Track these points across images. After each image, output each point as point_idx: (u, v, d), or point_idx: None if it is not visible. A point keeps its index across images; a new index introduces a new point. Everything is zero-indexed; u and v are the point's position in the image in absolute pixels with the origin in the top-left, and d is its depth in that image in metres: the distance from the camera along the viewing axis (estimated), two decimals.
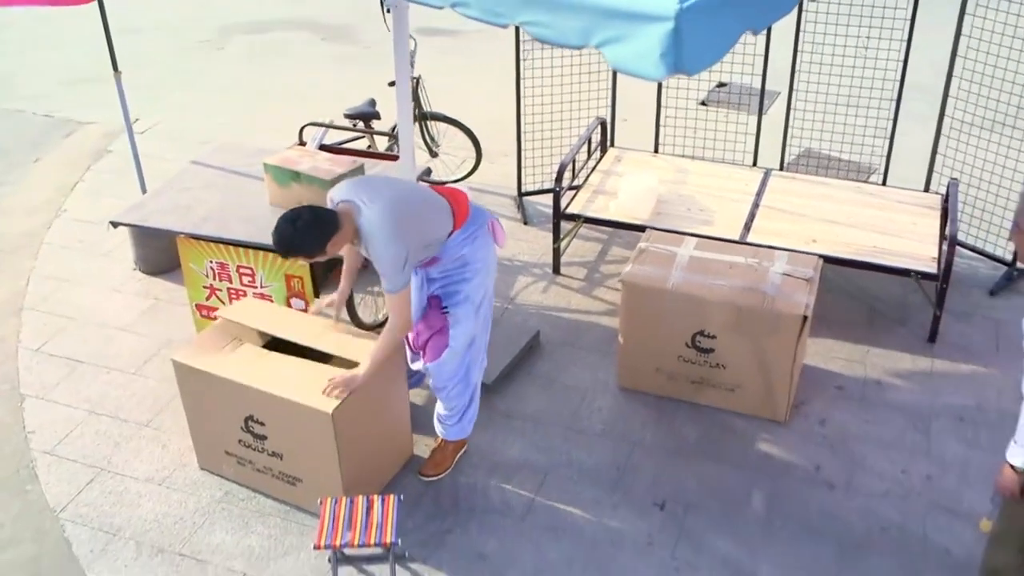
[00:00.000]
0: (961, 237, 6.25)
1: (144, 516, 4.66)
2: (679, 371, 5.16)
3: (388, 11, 4.96)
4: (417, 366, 4.68)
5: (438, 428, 4.81)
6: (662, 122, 7.05)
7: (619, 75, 6.81)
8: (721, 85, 8.69)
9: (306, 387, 4.28)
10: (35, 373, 5.62)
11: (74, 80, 9.68)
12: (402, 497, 4.30)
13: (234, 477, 4.80)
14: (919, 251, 5.69)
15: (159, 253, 6.32)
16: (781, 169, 6.71)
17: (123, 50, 6.56)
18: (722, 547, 4.42)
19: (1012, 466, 3.35)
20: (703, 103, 8.40)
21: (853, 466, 4.86)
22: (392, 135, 6.47)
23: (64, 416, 5.28)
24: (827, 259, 5.50)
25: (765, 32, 6.38)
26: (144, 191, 6.28)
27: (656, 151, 7.02)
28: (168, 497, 4.76)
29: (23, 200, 7.50)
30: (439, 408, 4.75)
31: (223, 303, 5.36)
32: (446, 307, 4.45)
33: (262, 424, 4.45)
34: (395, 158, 6.00)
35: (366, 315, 5.74)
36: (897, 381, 5.41)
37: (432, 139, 7.06)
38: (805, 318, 4.80)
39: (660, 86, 6.98)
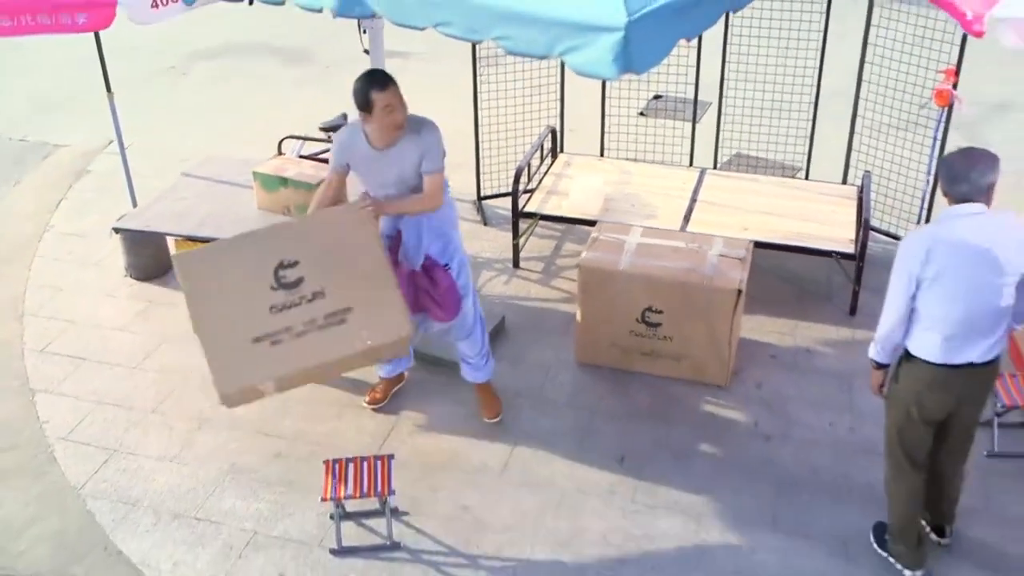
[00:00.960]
0: (875, 223, 6.99)
1: (159, 488, 5.18)
2: (631, 345, 5.81)
3: (364, 31, 5.57)
4: (440, 327, 5.26)
5: (475, 375, 5.47)
6: (606, 129, 7.74)
7: (566, 87, 7.53)
8: (657, 97, 9.38)
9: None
10: (42, 371, 6.10)
11: (45, 105, 10.13)
12: (394, 457, 4.89)
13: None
14: (839, 235, 6.42)
15: (149, 260, 6.83)
16: (715, 169, 7.42)
17: (93, 77, 7.05)
18: (675, 492, 5.07)
19: (874, 362, 4.20)
20: (641, 113, 9.08)
21: (787, 421, 5.54)
22: None
23: (73, 407, 5.78)
24: (758, 244, 6.20)
25: (696, 47, 7.12)
26: (135, 204, 6.78)
27: (602, 155, 7.71)
28: (179, 471, 5.29)
29: (9, 218, 7.94)
30: (470, 355, 5.38)
31: None
32: (446, 264, 5.03)
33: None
34: None
35: None
36: (823, 349, 6.12)
37: None
38: (739, 292, 5.49)
39: (603, 98, 7.67)
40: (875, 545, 4.67)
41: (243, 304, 4.24)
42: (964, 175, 3.81)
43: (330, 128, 7.00)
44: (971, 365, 3.98)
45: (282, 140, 6.92)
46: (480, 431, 5.50)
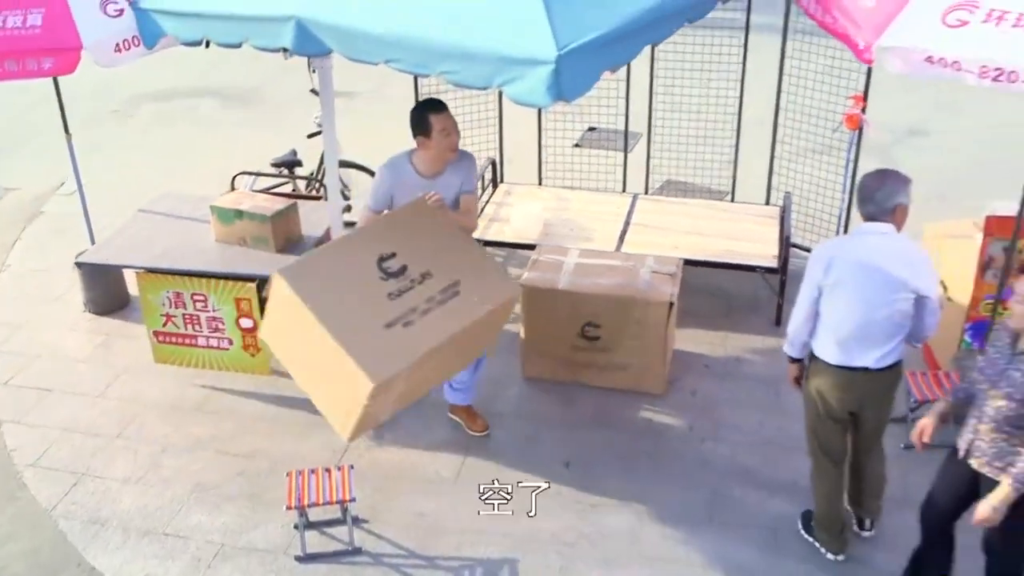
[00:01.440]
0: (795, 240, 7.46)
1: (127, 508, 5.42)
2: (573, 358, 6.19)
3: (313, 71, 5.92)
4: None
5: (463, 397, 5.81)
6: (544, 160, 8.16)
7: (504, 121, 7.94)
8: (592, 129, 9.83)
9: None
10: (8, 402, 6.30)
11: None
12: (354, 467, 5.19)
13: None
14: (763, 252, 6.88)
15: (107, 295, 7.07)
16: (646, 194, 7.87)
17: (40, 119, 7.31)
18: (620, 492, 5.43)
19: (788, 357, 4.67)
20: (577, 145, 9.53)
21: (720, 424, 5.95)
22: (315, 179, 7.42)
23: (41, 435, 5.99)
24: (688, 261, 6.63)
25: (625, 81, 7.58)
26: (93, 242, 7.02)
27: (540, 184, 8.12)
28: (146, 492, 5.53)
29: None
30: (463, 379, 5.69)
31: (178, 328, 6.18)
32: None
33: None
34: (318, 198, 6.94)
35: None
36: (751, 357, 6.55)
37: (344, 185, 7.99)
38: (671, 304, 5.90)
39: (540, 130, 8.10)
40: (802, 531, 5.07)
41: (363, 298, 4.42)
42: (871, 196, 4.26)
43: (282, 164, 7.33)
44: (867, 370, 4.40)
45: (235, 176, 7.22)
46: (433, 444, 5.82)
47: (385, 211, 5.24)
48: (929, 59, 4.14)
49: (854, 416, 4.61)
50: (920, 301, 4.29)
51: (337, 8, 4.38)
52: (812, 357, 4.60)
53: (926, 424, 4.24)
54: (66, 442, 5.93)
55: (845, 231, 7.20)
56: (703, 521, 5.23)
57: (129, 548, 5.15)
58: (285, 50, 4.77)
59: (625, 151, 7.97)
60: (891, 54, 4.24)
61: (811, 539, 5.00)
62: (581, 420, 5.99)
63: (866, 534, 5.03)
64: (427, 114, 5.04)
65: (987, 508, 3.89)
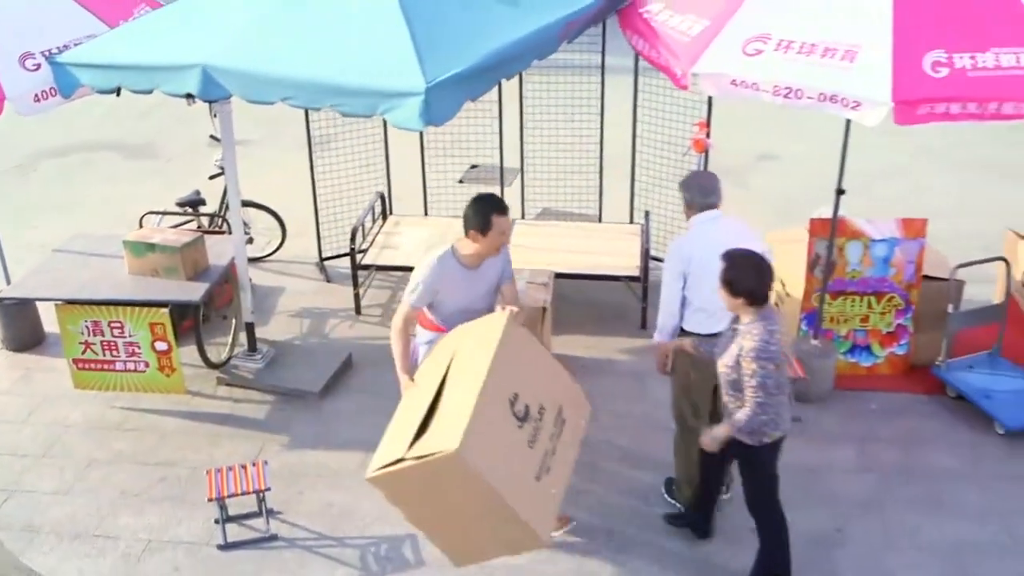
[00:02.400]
0: (654, 252, 8.34)
1: (58, 517, 5.93)
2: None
3: (215, 115, 6.59)
4: None
5: None
6: (430, 197, 8.93)
7: (391, 159, 8.69)
8: (474, 167, 10.64)
9: None
10: None
11: None
12: (267, 462, 5.81)
13: None
14: (627, 264, 7.74)
15: (24, 332, 7.54)
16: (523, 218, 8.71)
17: None
18: None
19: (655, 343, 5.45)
20: (461, 181, 10.31)
21: (594, 413, 6.69)
22: (218, 216, 8.05)
23: None
24: (561, 274, 7.44)
25: (498, 122, 8.43)
26: (8, 281, 7.48)
27: (426, 215, 8.87)
28: (74, 502, 6.05)
29: None
30: None
31: (96, 354, 6.71)
32: None
33: None
34: (223, 233, 7.56)
35: (212, 355, 7.19)
36: (620, 356, 7.38)
37: (245, 224, 8.62)
38: (544, 309, 6.69)
39: (423, 164, 8.87)
40: (665, 495, 5.87)
41: (516, 457, 4.39)
42: (713, 188, 5.13)
43: (186, 203, 7.94)
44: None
45: (143, 216, 7.80)
46: (336, 444, 6.47)
47: (425, 308, 5.33)
48: (733, 82, 5.04)
49: (715, 387, 5.42)
50: None
51: (237, 56, 5.09)
52: (681, 333, 5.37)
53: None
54: None
55: None
56: (582, 493, 5.97)
57: (63, 549, 5.66)
58: (190, 96, 5.47)
59: (501, 184, 8.80)
60: (704, 79, 5.14)
61: (673, 500, 5.80)
62: None
63: (725, 496, 5.81)
64: (492, 215, 4.94)
65: (707, 436, 4.99)
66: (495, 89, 8.29)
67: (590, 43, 7.87)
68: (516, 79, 8.47)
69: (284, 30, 5.17)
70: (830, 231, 6.64)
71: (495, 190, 8.92)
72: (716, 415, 5.46)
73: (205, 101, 5.75)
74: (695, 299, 5.22)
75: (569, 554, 5.58)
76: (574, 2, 5.68)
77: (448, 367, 4.72)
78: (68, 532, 5.80)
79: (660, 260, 8.30)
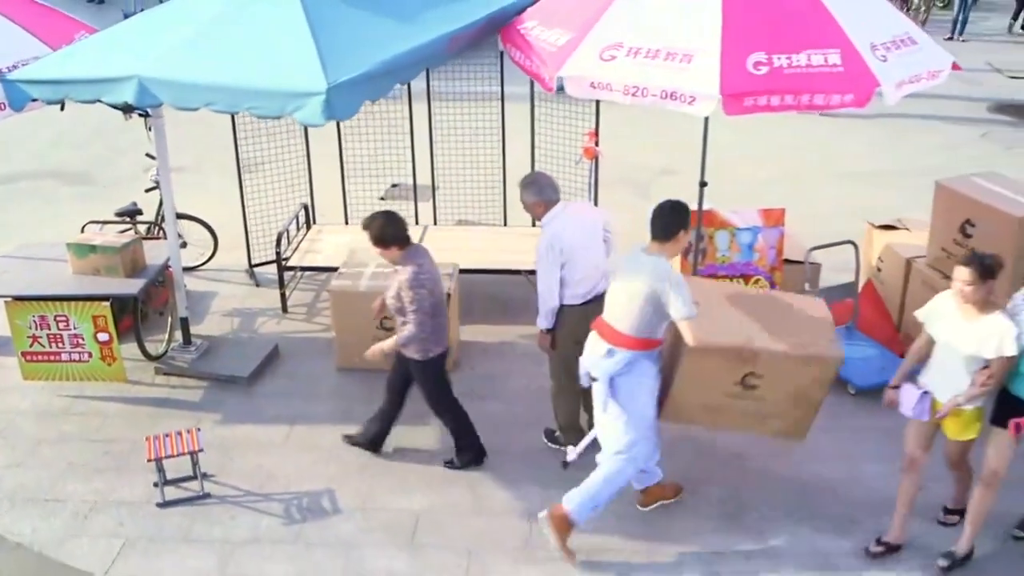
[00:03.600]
0: None
1: (10, 486, 6.60)
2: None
3: (150, 129, 7.36)
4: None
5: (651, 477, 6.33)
6: (348, 206, 9.75)
7: (314, 175, 9.50)
8: (395, 185, 11.46)
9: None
10: None
11: None
12: (200, 429, 6.55)
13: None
14: (528, 260, 8.57)
15: None
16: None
17: None
18: (419, 439, 6.95)
19: (543, 330, 6.29)
20: (382, 198, 11.13)
21: (496, 387, 7.56)
22: (155, 224, 8.80)
23: None
24: (464, 270, 8.27)
25: (411, 149, 9.29)
26: None
27: (347, 223, 9.68)
28: (25, 474, 6.72)
29: None
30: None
31: (43, 347, 7.39)
32: None
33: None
34: (159, 239, 8.31)
35: (151, 349, 7.91)
36: (521, 341, 8.21)
37: (179, 233, 9.36)
38: (449, 295, 7.51)
39: (344, 184, 9.70)
40: (546, 441, 6.76)
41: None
42: (554, 186, 6.08)
43: (125, 213, 8.68)
44: (596, 297, 6.15)
45: (85, 225, 8.52)
46: (264, 420, 7.22)
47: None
48: (592, 84, 5.97)
49: None
50: (606, 235, 6.22)
51: (166, 67, 5.90)
52: (560, 309, 6.26)
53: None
54: None
55: None
56: (491, 450, 6.78)
57: (16, 511, 6.34)
58: (128, 108, 6.27)
59: (416, 201, 9.65)
60: (568, 82, 6.05)
61: (554, 444, 6.69)
62: (383, 396, 7.50)
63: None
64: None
65: (376, 348, 6.33)
66: (407, 115, 9.29)
67: (490, 75, 8.86)
68: (426, 108, 9.43)
69: (207, 46, 5.99)
70: (697, 221, 7.57)
71: (412, 205, 9.83)
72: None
73: (140, 111, 6.55)
74: (575, 275, 6.14)
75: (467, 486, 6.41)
76: (460, 19, 6.59)
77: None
78: (20, 498, 6.47)
79: None
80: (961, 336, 5.41)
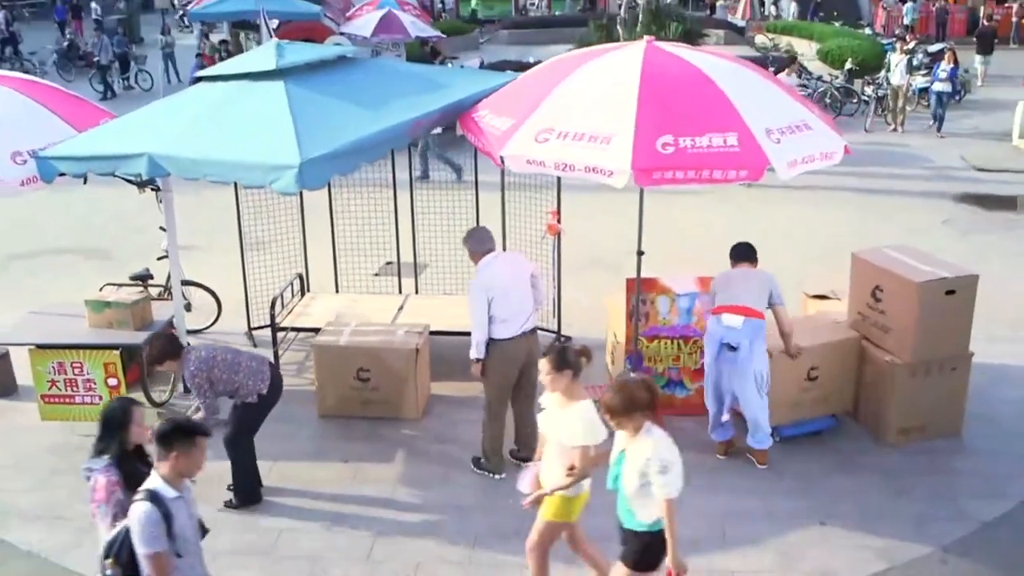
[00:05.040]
0: None
1: (24, 506, 7.55)
2: (352, 396, 8.68)
3: (160, 201, 8.50)
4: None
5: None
6: (339, 277, 10.84)
7: (310, 251, 10.60)
8: (389, 263, 12.53)
9: None
10: None
11: None
12: None
13: None
14: None
15: None
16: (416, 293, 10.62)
17: None
18: (378, 470, 7.88)
19: (475, 359, 7.29)
20: (376, 274, 12.18)
21: (458, 431, 8.49)
22: (165, 288, 9.91)
23: None
24: (434, 332, 9.26)
25: (395, 234, 10.39)
26: None
27: (336, 292, 10.75)
28: (38, 497, 7.68)
29: None
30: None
31: (60, 390, 8.41)
32: None
33: None
34: (167, 300, 9.41)
35: (156, 396, 8.91)
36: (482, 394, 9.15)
37: (185, 296, 10.44)
38: (416, 350, 8.52)
39: (335, 260, 10.79)
40: (473, 468, 7.80)
41: None
42: (489, 238, 7.28)
43: (138, 277, 9.80)
44: (523, 334, 7.21)
45: (102, 286, 9.61)
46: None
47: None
48: (528, 161, 7.05)
49: (520, 373, 7.30)
50: (534, 279, 7.34)
51: (171, 145, 7.05)
52: (491, 343, 7.28)
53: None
54: None
55: (559, 305, 10.04)
56: (439, 481, 7.71)
57: (28, 527, 7.32)
58: (142, 183, 7.41)
59: (400, 275, 10.75)
60: (509, 159, 7.14)
61: (480, 471, 7.77)
62: (360, 437, 8.45)
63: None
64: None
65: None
66: (391, 200, 10.44)
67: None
68: (408, 195, 10.56)
69: (207, 126, 7.15)
70: (636, 288, 8.57)
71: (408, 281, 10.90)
72: (519, 408, 7.37)
73: (151, 184, 7.69)
74: (501, 312, 7.19)
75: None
76: (422, 108, 7.74)
77: None
78: (32, 515, 7.45)
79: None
80: (553, 424, 5.84)
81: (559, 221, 9.71)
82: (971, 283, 8.10)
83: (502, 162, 7.21)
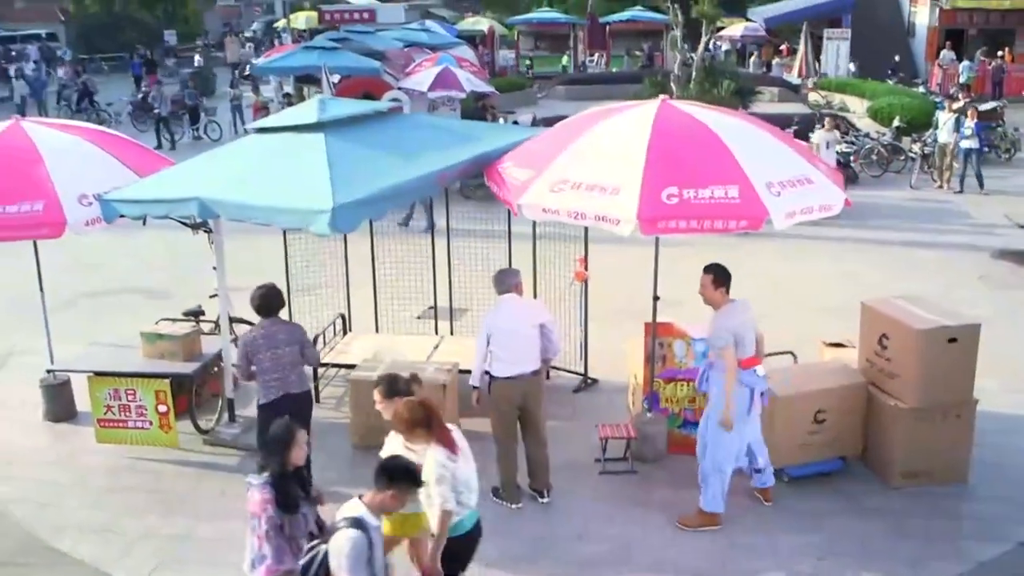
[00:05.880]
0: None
1: (78, 521, 8.20)
2: (383, 428, 9.19)
3: (212, 243, 9.21)
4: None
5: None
6: (379, 319, 11.47)
7: (353, 295, 11.27)
8: (430, 307, 13.13)
9: None
10: None
11: None
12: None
13: None
14: None
15: (60, 408, 9.97)
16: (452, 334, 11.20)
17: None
18: None
19: (474, 387, 7.75)
20: (419, 317, 12.79)
21: (482, 466, 8.98)
22: (216, 323, 10.63)
23: (18, 486, 8.76)
24: (465, 370, 9.79)
25: (432, 280, 11.02)
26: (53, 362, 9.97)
27: (376, 331, 11.37)
28: (91, 513, 8.34)
29: None
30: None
31: (115, 415, 9.10)
32: None
33: None
34: (216, 334, 10.11)
35: (203, 424, 9.57)
36: None
37: (233, 332, 11.11)
38: (445, 386, 9.07)
39: (376, 303, 11.43)
40: (493, 497, 8.22)
41: None
42: (507, 280, 7.78)
43: (191, 313, 10.53)
44: (522, 375, 7.68)
45: (158, 321, 10.34)
46: None
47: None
48: (544, 209, 7.63)
49: (521, 410, 7.77)
50: (544, 329, 7.66)
51: (219, 190, 7.75)
52: (491, 379, 7.81)
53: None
54: (36, 489, 8.72)
55: (585, 347, 10.54)
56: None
57: (81, 539, 7.96)
58: (196, 225, 8.11)
59: (436, 318, 11.36)
60: (525, 208, 7.73)
61: (498, 500, 8.18)
62: None
63: (544, 501, 8.07)
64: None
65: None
66: (430, 253, 11.07)
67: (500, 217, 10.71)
68: (445, 246, 11.17)
69: (252, 175, 7.87)
70: (651, 331, 9.04)
71: (445, 324, 11.50)
72: (528, 443, 7.86)
73: (203, 226, 8.40)
74: (500, 352, 7.75)
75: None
76: (448, 160, 8.40)
77: None
78: (86, 529, 8.10)
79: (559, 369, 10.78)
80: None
81: (586, 268, 10.25)
82: (973, 332, 8.44)
83: (519, 210, 7.78)
